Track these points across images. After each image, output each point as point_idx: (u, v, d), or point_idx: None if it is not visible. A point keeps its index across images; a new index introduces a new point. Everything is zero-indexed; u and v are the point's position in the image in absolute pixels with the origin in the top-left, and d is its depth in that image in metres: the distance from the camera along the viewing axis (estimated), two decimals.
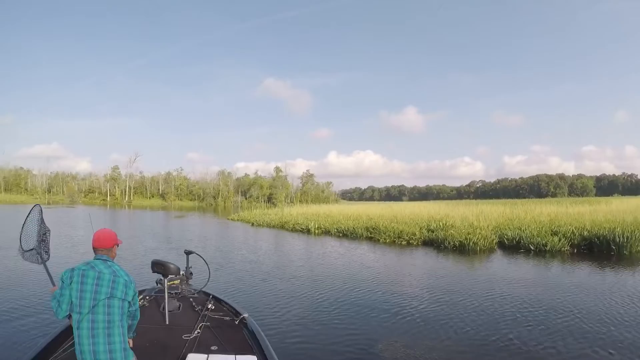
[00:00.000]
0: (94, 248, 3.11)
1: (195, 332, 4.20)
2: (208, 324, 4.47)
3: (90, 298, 2.83)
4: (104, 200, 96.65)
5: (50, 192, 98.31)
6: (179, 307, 4.93)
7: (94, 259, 3.04)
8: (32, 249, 3.94)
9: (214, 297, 5.44)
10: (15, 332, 6.61)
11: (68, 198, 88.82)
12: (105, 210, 59.83)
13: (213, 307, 4.97)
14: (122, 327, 2.92)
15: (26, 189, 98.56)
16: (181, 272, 5.18)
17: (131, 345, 3.24)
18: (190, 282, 5.59)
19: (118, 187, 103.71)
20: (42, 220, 4.07)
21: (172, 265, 4.74)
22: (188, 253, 5.47)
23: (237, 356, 3.24)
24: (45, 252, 4.00)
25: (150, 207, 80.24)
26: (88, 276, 2.88)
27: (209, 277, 5.39)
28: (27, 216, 4.01)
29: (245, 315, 4.58)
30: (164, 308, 4.64)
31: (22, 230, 3.96)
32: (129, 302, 3.00)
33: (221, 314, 4.83)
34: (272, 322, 7.23)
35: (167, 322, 4.46)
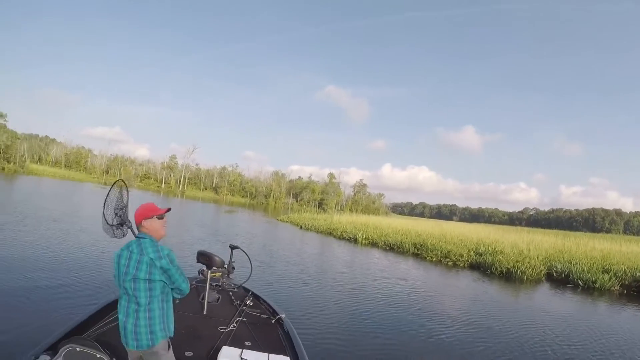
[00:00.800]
0: (134, 223, 3.26)
1: (232, 326, 4.26)
2: (245, 319, 4.52)
3: (121, 279, 2.95)
4: (158, 187, 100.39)
5: (107, 173, 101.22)
6: (218, 300, 5.06)
7: (136, 237, 3.13)
8: (112, 225, 3.80)
9: (253, 293, 5.51)
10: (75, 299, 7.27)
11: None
12: (158, 197, 62.47)
13: (251, 304, 5.03)
14: (149, 310, 2.94)
15: (85, 168, 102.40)
16: (224, 266, 5.29)
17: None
18: (231, 276, 5.69)
19: (174, 176, 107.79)
20: (121, 196, 3.93)
21: (216, 258, 4.91)
22: (233, 248, 5.53)
23: (270, 355, 3.22)
24: (122, 227, 3.83)
25: (202, 198, 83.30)
26: (122, 256, 2.97)
27: (251, 273, 5.49)
28: (109, 191, 3.86)
29: (282, 315, 4.60)
30: (203, 298, 4.80)
31: (104, 206, 3.80)
32: (159, 281, 2.94)
33: (258, 311, 4.88)
34: (307, 325, 7.35)
35: (204, 312, 4.58)
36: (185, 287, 3.12)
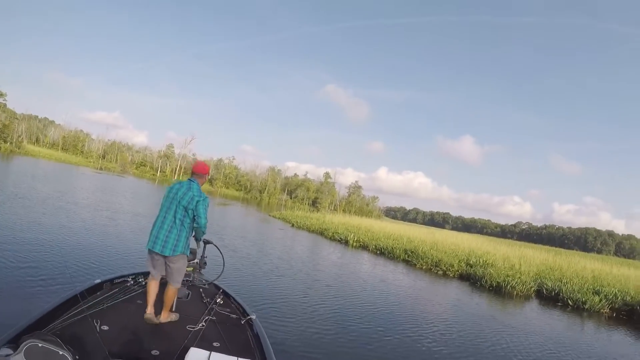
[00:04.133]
0: (192, 172, 4.44)
1: (200, 325, 4.16)
2: (214, 318, 4.42)
3: (168, 202, 4.20)
4: (153, 175, 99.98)
5: (104, 158, 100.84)
6: (188, 296, 4.95)
7: (188, 179, 4.36)
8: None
9: (224, 291, 5.38)
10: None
11: (120, 167, 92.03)
12: (153, 185, 62.20)
13: (222, 302, 4.94)
14: (182, 228, 4.14)
15: (82, 152, 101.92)
16: (196, 260, 5.20)
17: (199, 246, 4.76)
18: (202, 271, 5.55)
19: (170, 165, 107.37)
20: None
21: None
22: (206, 242, 5.39)
23: (239, 358, 3.13)
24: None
25: None
26: (173, 188, 4.28)
27: (223, 270, 5.38)
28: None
29: (253, 317, 4.50)
30: None
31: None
32: (192, 209, 4.12)
33: (228, 310, 4.77)
34: (279, 327, 7.12)
35: (173, 309, 4.47)
36: (204, 222, 4.20)
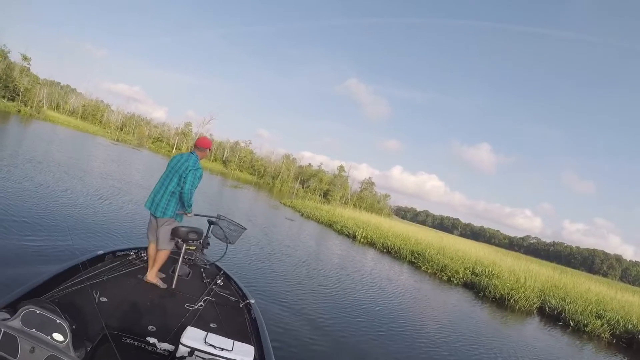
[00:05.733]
0: (194, 145, 4.89)
1: (199, 304, 4.19)
2: (213, 299, 4.45)
3: (168, 169, 4.63)
4: (169, 151, 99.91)
5: (122, 130, 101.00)
6: (189, 274, 5.00)
7: (189, 152, 4.79)
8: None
9: (225, 273, 5.40)
10: None
11: (136, 140, 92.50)
12: (167, 160, 62.07)
13: (222, 284, 4.97)
14: (173, 194, 4.52)
15: (100, 122, 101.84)
16: (199, 240, 5.16)
17: (190, 215, 4.77)
18: (205, 252, 5.56)
19: (186, 143, 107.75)
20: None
21: (193, 232, 4.74)
22: (210, 223, 5.42)
23: (235, 342, 3.14)
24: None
25: (210, 169, 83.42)
26: (174, 158, 4.75)
27: (225, 252, 5.37)
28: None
29: (252, 301, 4.53)
30: (174, 271, 4.70)
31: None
32: (184, 178, 4.45)
33: (228, 292, 4.79)
34: (277, 313, 7.13)
35: (173, 286, 4.52)
36: (187, 189, 4.44)
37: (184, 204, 4.60)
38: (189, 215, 4.74)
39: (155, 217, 4.58)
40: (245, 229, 5.55)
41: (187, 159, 4.58)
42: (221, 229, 5.40)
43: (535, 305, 17.08)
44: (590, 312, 16.65)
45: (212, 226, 5.47)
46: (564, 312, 16.38)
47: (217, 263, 5.66)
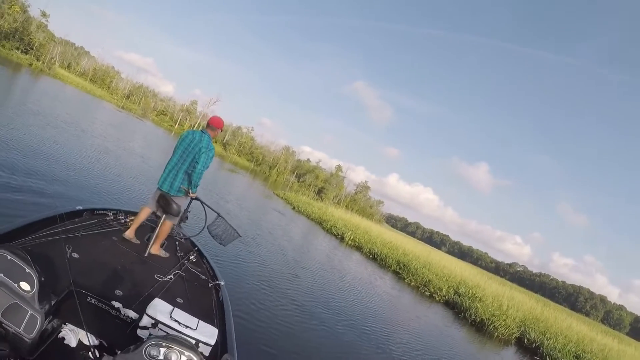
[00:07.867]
0: (207, 123, 4.78)
1: (168, 277, 4.12)
2: (183, 274, 4.39)
3: (181, 149, 4.61)
4: (171, 126, 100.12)
5: (128, 98, 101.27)
6: (163, 245, 4.89)
7: (201, 130, 4.69)
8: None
9: (198, 250, 5.34)
10: None
11: (141, 110, 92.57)
12: (168, 135, 62.17)
13: (194, 260, 4.93)
14: (185, 173, 4.57)
15: (108, 87, 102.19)
16: (179, 214, 5.04)
17: (193, 196, 4.76)
18: (182, 225, 5.47)
19: (189, 121, 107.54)
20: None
21: (175, 205, 4.64)
22: (194, 199, 5.23)
23: (200, 321, 3.11)
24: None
25: None
26: (187, 137, 4.66)
27: (203, 229, 5.29)
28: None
29: (222, 282, 4.49)
30: (148, 239, 4.64)
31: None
32: (197, 160, 4.48)
33: (199, 270, 4.75)
34: (245, 299, 7.03)
35: (146, 255, 4.46)
36: (199, 169, 4.50)
37: (191, 182, 4.63)
38: (192, 195, 4.74)
39: (169, 194, 4.64)
40: (240, 235, 5.45)
41: (200, 139, 4.57)
42: (218, 227, 5.34)
43: (515, 335, 16.62)
44: (569, 351, 16.23)
45: (193, 201, 5.22)
46: (542, 347, 15.95)
47: (192, 238, 5.62)
